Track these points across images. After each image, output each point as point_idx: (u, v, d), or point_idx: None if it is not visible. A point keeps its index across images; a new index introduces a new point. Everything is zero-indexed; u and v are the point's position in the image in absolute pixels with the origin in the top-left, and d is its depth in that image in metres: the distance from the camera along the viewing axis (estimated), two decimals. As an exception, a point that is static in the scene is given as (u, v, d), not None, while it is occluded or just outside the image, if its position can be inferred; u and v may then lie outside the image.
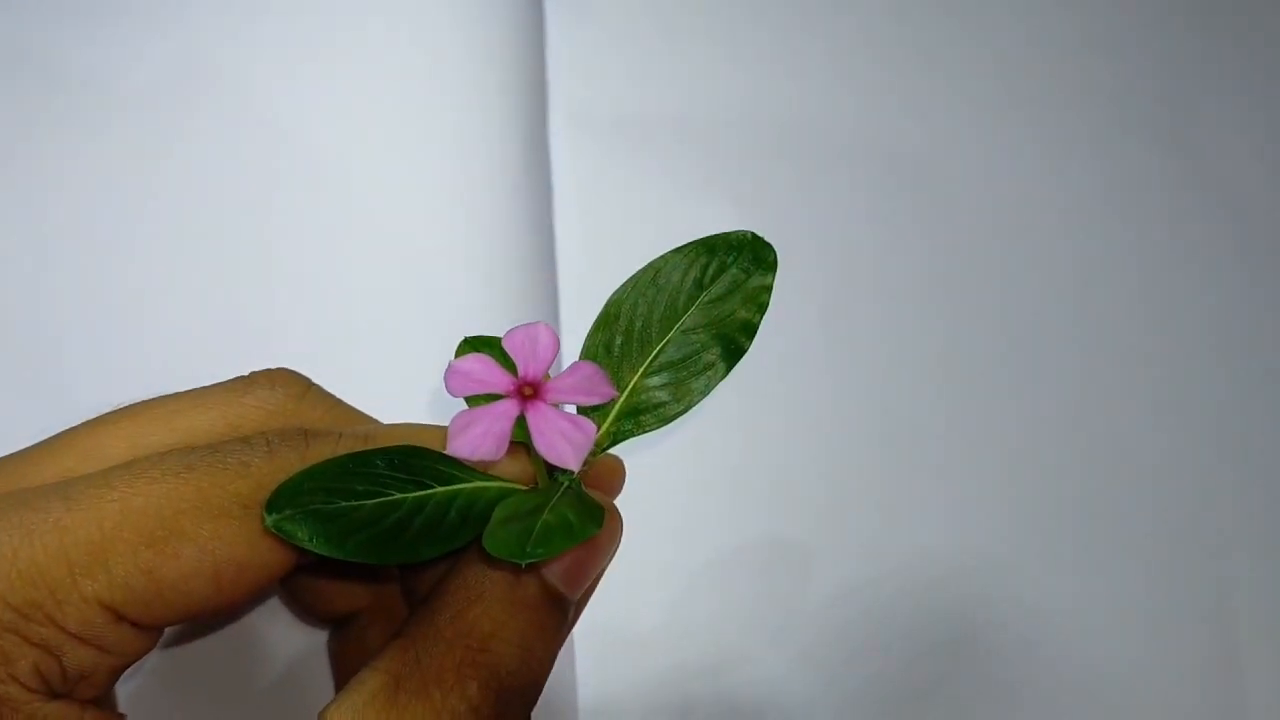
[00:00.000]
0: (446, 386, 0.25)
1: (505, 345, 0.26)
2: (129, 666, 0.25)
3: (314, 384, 0.29)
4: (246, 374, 0.29)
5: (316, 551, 0.24)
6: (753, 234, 0.28)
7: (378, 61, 0.46)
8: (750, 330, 0.28)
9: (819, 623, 0.39)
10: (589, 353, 0.28)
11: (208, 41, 0.45)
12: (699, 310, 0.28)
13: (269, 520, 0.24)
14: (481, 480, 0.26)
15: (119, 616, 0.24)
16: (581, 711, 0.38)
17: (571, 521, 0.25)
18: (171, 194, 0.43)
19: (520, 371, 0.26)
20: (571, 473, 0.27)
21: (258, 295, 0.41)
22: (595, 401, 0.26)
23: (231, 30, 0.46)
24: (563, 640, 0.27)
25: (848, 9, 0.50)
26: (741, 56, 0.49)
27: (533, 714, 0.27)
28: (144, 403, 0.28)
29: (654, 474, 0.40)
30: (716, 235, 0.28)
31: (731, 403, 0.41)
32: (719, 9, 0.49)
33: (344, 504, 0.25)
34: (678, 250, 0.28)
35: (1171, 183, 0.48)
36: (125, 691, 0.31)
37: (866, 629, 0.39)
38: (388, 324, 0.41)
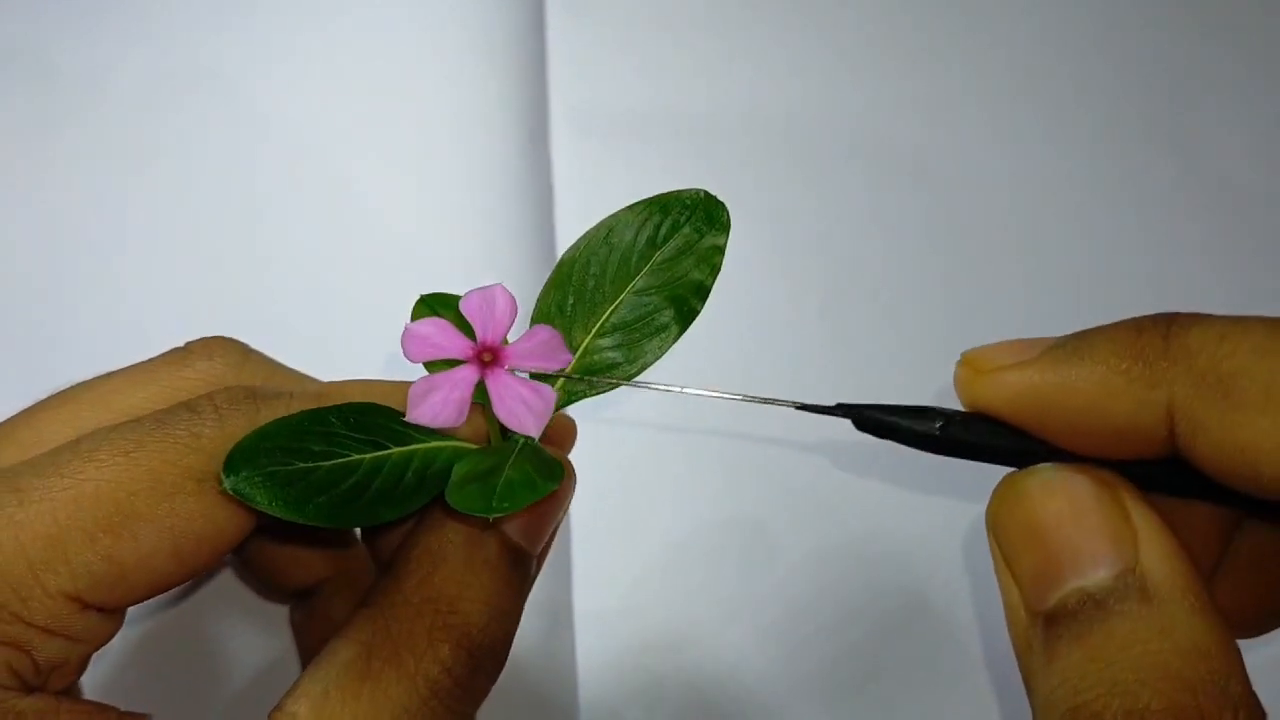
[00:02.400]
0: (404, 351, 0.25)
1: (463, 309, 0.26)
2: (99, 650, 0.25)
3: (253, 350, 0.28)
4: (182, 345, 0.28)
5: (276, 515, 0.24)
6: (705, 192, 0.28)
7: (380, 60, 0.46)
8: (703, 292, 0.28)
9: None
10: (542, 312, 0.28)
11: (208, 39, 0.45)
12: (652, 271, 0.28)
13: (226, 483, 0.23)
14: (437, 440, 0.26)
15: (85, 605, 0.23)
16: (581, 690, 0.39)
17: (534, 477, 0.25)
18: (169, 190, 0.43)
19: (479, 336, 0.25)
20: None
21: (258, 292, 0.41)
22: (553, 367, 0.26)
23: (230, 29, 0.46)
24: (527, 593, 0.27)
25: (847, 6, 0.49)
26: (740, 53, 0.48)
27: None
28: (80, 385, 0.27)
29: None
30: (669, 193, 0.28)
31: (723, 413, 0.41)
32: (718, 7, 0.49)
33: (301, 465, 0.24)
34: (631, 208, 0.28)
35: (1171, 180, 0.48)
36: (91, 677, 0.31)
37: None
38: (388, 321, 0.41)
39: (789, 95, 0.48)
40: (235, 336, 0.41)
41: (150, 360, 0.28)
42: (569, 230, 0.44)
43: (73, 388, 0.27)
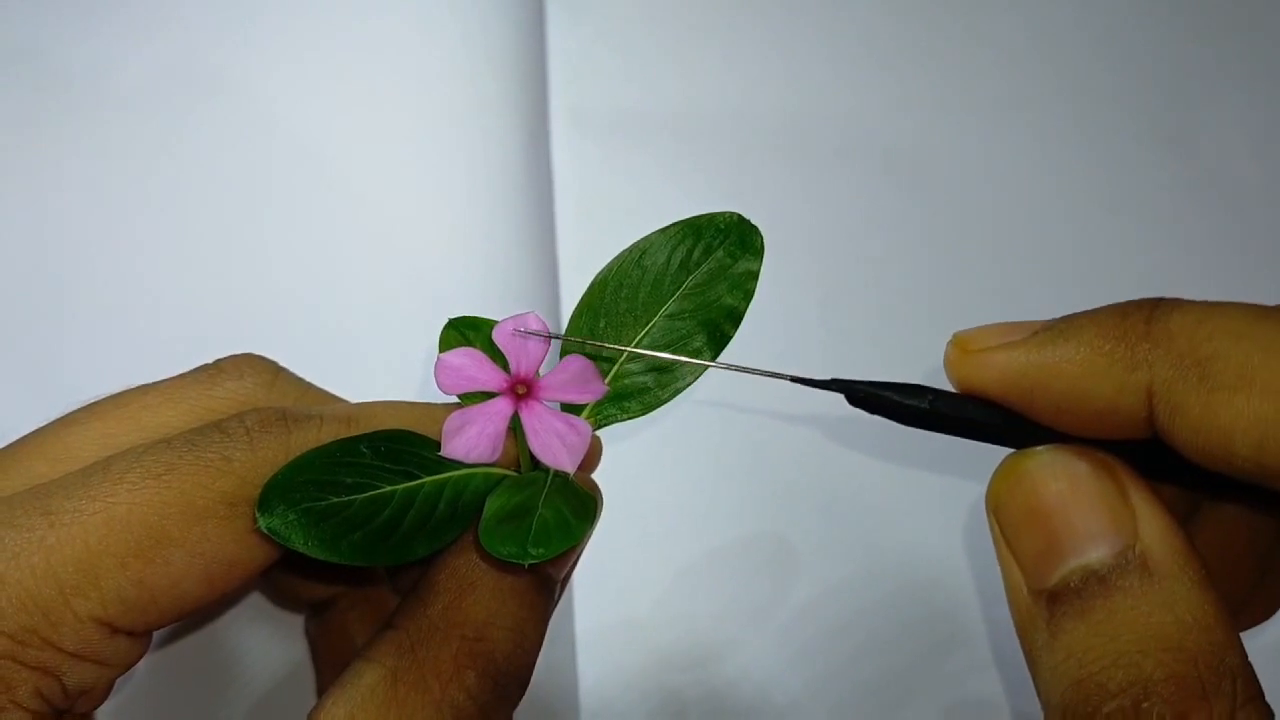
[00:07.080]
0: (436, 382, 0.25)
1: (495, 339, 0.25)
2: (126, 672, 0.25)
3: (283, 369, 0.28)
4: (212, 362, 0.28)
5: (312, 556, 0.24)
6: (739, 216, 0.27)
7: (380, 60, 0.46)
8: (736, 318, 0.27)
9: (809, 614, 0.40)
10: (574, 336, 0.28)
11: (208, 39, 0.45)
12: (684, 295, 0.27)
13: (261, 522, 0.23)
14: (467, 468, 0.26)
15: (114, 629, 0.23)
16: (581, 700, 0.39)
17: (568, 518, 0.25)
18: (170, 190, 0.43)
19: (512, 367, 0.25)
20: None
21: (260, 291, 0.41)
22: (587, 399, 0.26)
23: (232, 29, 0.45)
24: (549, 618, 0.28)
25: (844, 7, 0.49)
26: (739, 55, 0.48)
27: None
28: (110, 399, 0.27)
29: (645, 468, 0.41)
30: (702, 216, 0.27)
31: (723, 397, 0.41)
32: (717, 8, 0.49)
33: (335, 499, 0.24)
34: (663, 230, 0.28)
35: (1170, 181, 0.48)
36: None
37: (855, 620, 0.40)
38: (389, 320, 0.41)
39: (788, 95, 0.48)
40: (233, 325, 0.41)
41: (180, 376, 0.27)
42: (569, 230, 0.44)
43: (101, 402, 0.27)
